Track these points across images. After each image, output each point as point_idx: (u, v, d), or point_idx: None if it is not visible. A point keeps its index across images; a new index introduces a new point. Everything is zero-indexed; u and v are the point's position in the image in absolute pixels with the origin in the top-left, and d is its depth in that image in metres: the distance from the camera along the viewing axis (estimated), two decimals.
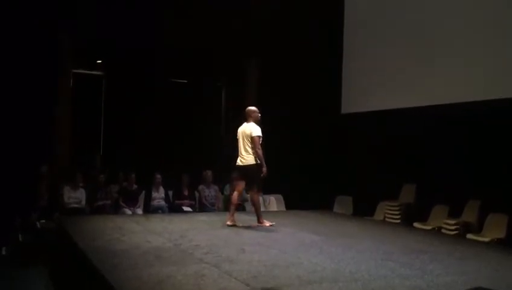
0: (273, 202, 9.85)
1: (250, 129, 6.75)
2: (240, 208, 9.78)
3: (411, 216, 8.49)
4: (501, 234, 6.98)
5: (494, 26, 7.33)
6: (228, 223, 6.88)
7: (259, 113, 6.96)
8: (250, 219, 7.27)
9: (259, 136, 6.71)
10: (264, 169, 6.66)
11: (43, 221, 8.19)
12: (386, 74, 9.16)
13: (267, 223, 6.89)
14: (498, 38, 7.25)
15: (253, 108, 6.98)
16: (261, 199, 9.83)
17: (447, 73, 7.98)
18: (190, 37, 10.33)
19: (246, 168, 6.76)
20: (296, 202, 9.65)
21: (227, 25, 10.47)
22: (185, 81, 11.88)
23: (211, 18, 10.28)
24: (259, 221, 6.93)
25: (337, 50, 10.17)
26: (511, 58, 7.06)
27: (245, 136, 6.78)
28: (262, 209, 9.72)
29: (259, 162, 6.70)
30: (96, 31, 9.87)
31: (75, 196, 8.97)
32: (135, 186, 9.36)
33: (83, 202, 9.00)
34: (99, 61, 11.08)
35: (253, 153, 6.71)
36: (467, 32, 7.73)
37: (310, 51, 10.32)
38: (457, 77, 7.81)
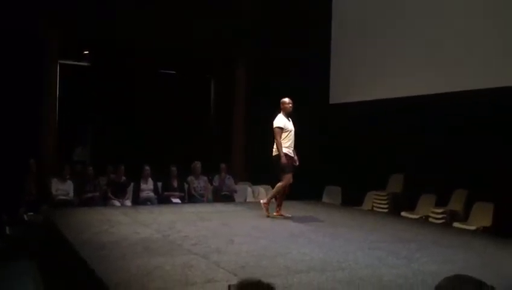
0: (262, 193, 9.87)
1: (274, 120, 6.84)
2: (228, 198, 9.82)
3: (399, 205, 8.56)
4: (487, 222, 7.06)
5: (485, 13, 7.36)
6: (274, 213, 6.93)
7: (291, 104, 6.91)
8: (239, 209, 7.27)
9: (279, 127, 6.73)
10: (283, 159, 6.68)
11: (31, 214, 8.15)
12: (374, 65, 9.16)
13: (268, 213, 6.91)
14: (488, 26, 7.28)
15: (284, 99, 6.95)
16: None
17: (433, 64, 8.00)
18: (179, 28, 10.28)
19: (272, 158, 6.87)
20: None
21: (216, 18, 10.42)
22: (173, 72, 11.82)
23: (200, 10, 10.23)
24: (269, 208, 6.94)
25: (325, 41, 10.15)
26: (491, 49, 7.11)
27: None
28: (251, 200, 9.80)
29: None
30: (83, 22, 9.78)
31: (63, 188, 8.96)
32: (124, 178, 9.33)
33: (71, 194, 8.98)
34: (86, 52, 10.99)
35: (275, 144, 6.80)
36: (453, 21, 7.75)
37: (298, 42, 10.28)
38: (444, 68, 7.83)
